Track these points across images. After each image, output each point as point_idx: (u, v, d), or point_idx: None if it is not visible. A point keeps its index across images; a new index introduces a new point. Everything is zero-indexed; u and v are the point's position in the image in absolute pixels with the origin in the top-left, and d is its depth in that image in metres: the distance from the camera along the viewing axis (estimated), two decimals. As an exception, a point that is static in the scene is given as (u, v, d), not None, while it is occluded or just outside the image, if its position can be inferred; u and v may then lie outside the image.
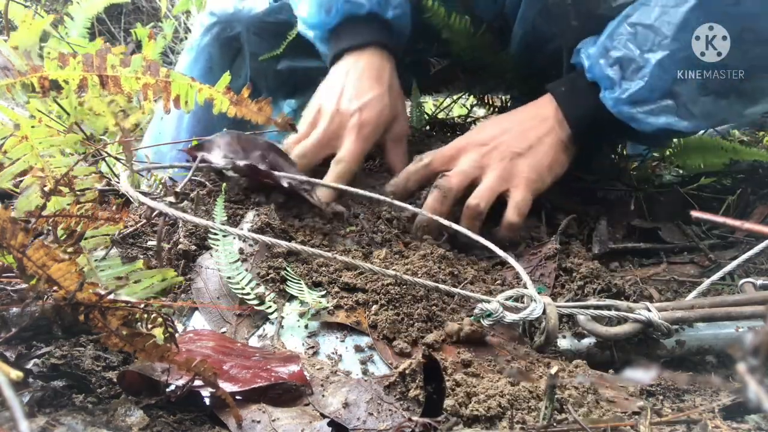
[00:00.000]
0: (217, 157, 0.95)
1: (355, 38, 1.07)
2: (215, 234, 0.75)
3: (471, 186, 0.97)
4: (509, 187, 0.97)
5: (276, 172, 0.91)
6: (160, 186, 0.97)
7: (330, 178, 0.97)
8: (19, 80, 0.55)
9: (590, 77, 0.97)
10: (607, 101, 0.95)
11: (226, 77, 0.63)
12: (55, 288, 0.47)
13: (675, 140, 1.27)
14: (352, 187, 0.94)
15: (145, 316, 0.51)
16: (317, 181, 0.93)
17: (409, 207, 0.92)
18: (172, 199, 0.89)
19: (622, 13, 0.95)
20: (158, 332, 0.51)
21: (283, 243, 0.71)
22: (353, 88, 1.03)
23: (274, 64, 1.36)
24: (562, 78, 1.05)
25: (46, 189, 0.56)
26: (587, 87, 0.97)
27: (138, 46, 2.59)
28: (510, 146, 0.98)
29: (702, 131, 1.23)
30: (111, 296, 0.49)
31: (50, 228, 0.54)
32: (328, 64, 1.11)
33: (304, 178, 0.92)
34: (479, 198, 0.95)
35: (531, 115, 1.01)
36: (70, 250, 0.54)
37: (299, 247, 0.71)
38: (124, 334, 0.50)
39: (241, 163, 0.91)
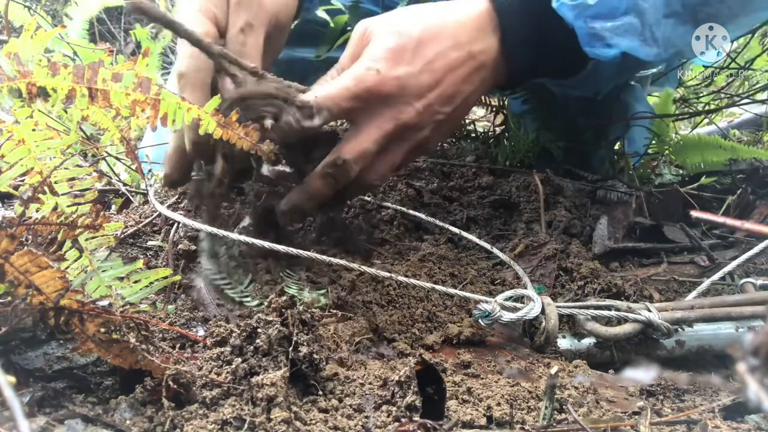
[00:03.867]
0: None
1: None
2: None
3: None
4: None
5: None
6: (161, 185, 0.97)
7: None
8: (7, 85, 0.55)
9: None
10: (565, 12, 0.78)
11: (216, 100, 0.63)
12: (34, 293, 0.48)
13: (673, 139, 1.27)
14: None
15: (123, 323, 0.51)
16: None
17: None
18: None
19: None
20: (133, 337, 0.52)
21: (279, 247, 0.71)
22: None
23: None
24: None
25: (27, 196, 0.56)
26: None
27: (138, 46, 2.59)
28: (437, 111, 0.78)
29: (658, 66, 1.15)
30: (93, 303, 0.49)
31: (31, 236, 0.55)
32: None
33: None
34: (380, 178, 0.80)
35: (466, 47, 0.78)
36: (53, 257, 0.54)
37: (294, 250, 0.71)
38: (101, 341, 0.50)
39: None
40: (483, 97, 1.46)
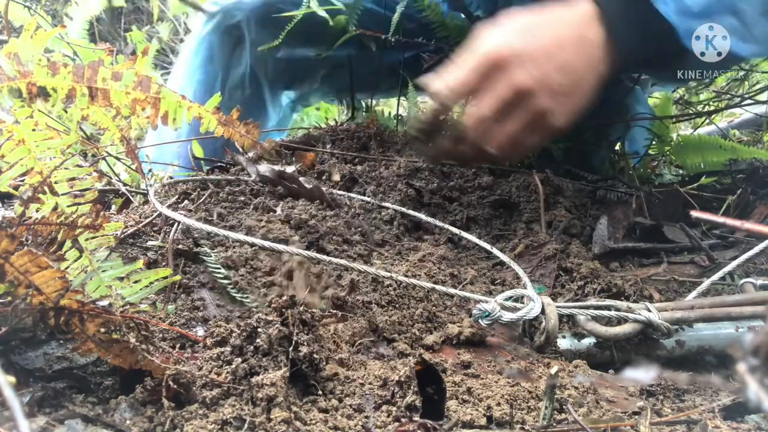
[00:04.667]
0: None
1: None
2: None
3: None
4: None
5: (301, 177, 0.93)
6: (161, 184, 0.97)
7: None
8: (7, 85, 0.54)
9: None
10: (670, 16, 0.83)
11: (216, 97, 0.63)
12: (34, 293, 0.47)
13: (674, 139, 1.27)
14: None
15: (123, 323, 0.51)
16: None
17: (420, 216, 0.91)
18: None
19: None
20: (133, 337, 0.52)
21: (280, 247, 0.71)
22: None
23: (274, 52, 1.37)
24: None
25: (27, 196, 0.56)
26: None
27: (136, 46, 2.59)
28: (552, 81, 0.81)
29: (759, 59, 1.16)
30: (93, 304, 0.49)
31: (31, 236, 0.55)
32: None
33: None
34: (498, 147, 0.85)
35: (577, 31, 0.83)
36: (53, 257, 0.54)
37: (295, 250, 0.71)
38: (101, 341, 0.50)
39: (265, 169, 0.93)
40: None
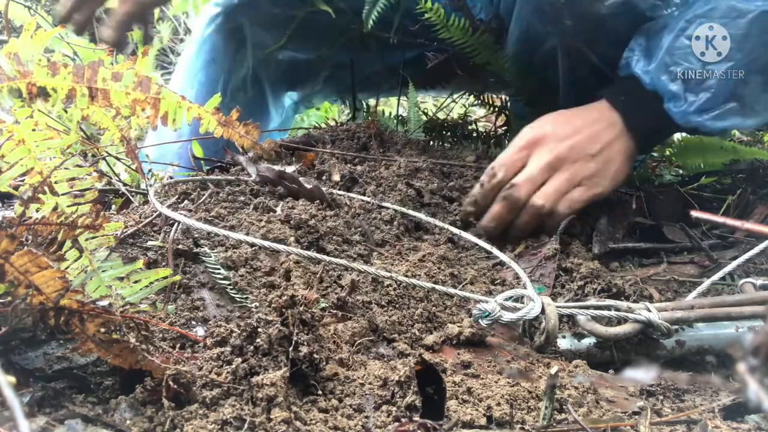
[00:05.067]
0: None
1: None
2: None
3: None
4: (575, 187, 0.99)
5: (301, 178, 0.94)
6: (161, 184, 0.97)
7: None
8: (7, 85, 0.54)
9: (651, 89, 0.98)
10: (674, 114, 0.96)
11: (216, 98, 0.63)
12: (34, 293, 0.47)
13: (675, 140, 1.27)
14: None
15: (123, 323, 0.51)
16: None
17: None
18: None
19: (674, 27, 0.96)
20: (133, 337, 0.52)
21: (280, 247, 0.71)
22: None
23: (276, 54, 1.37)
24: (615, 86, 1.04)
25: (27, 196, 0.56)
26: (649, 96, 0.98)
27: (137, 46, 2.59)
28: (584, 148, 0.98)
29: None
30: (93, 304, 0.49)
31: (31, 236, 0.55)
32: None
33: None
34: (545, 199, 0.97)
35: (598, 117, 1.01)
36: (53, 257, 0.54)
37: (294, 250, 0.71)
38: (101, 341, 0.50)
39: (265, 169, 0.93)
40: (485, 96, 1.46)
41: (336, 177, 1.05)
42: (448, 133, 1.47)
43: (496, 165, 1.00)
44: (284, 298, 0.57)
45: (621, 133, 1.00)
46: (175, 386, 0.51)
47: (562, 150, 0.97)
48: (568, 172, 0.97)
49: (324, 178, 1.06)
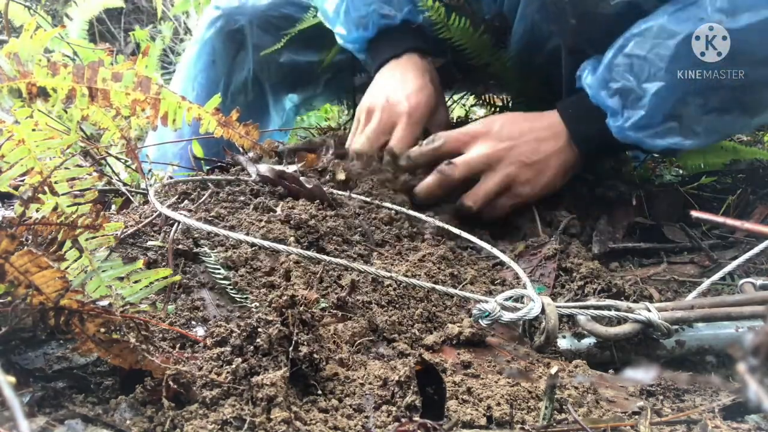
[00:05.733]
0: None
1: (394, 48, 1.18)
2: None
3: (470, 177, 1.02)
4: (504, 192, 1.03)
5: (302, 177, 0.95)
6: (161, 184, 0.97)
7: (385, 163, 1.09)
8: (7, 85, 0.54)
9: (595, 103, 1.00)
10: (612, 128, 0.99)
11: (216, 98, 0.63)
12: (34, 293, 0.47)
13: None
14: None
15: (123, 323, 0.51)
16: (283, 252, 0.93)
17: (418, 215, 0.96)
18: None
19: (616, 44, 0.97)
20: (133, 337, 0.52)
21: (280, 247, 0.71)
22: (400, 83, 1.13)
23: (276, 57, 1.37)
24: (571, 97, 1.07)
25: (27, 196, 0.56)
26: (593, 111, 1.00)
27: (138, 46, 2.59)
28: (522, 154, 1.02)
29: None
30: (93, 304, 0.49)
31: (31, 236, 0.55)
32: (372, 72, 1.21)
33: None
34: (474, 201, 1.02)
35: (545, 126, 1.04)
36: (53, 257, 0.54)
37: (294, 250, 0.71)
38: (101, 341, 0.50)
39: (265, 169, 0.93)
40: (485, 97, 1.46)
41: (341, 176, 1.05)
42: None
43: (440, 134, 1.06)
44: (284, 298, 0.57)
45: (564, 146, 1.03)
46: (175, 386, 0.51)
47: (501, 150, 1.02)
48: (501, 173, 1.02)
49: (327, 177, 1.06)
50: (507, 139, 1.03)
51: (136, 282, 0.62)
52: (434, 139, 1.05)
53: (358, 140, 1.12)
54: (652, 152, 1.12)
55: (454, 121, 1.52)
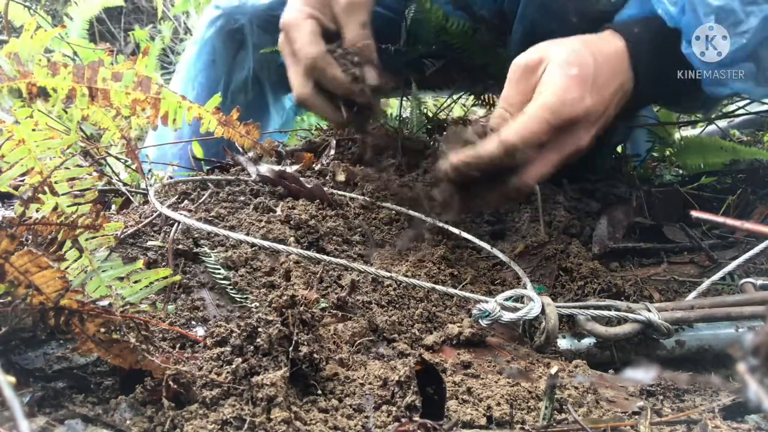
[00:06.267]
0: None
1: None
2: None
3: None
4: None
5: (302, 178, 0.95)
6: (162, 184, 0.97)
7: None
8: (7, 85, 0.54)
9: (672, 25, 0.85)
10: (694, 59, 0.85)
11: (216, 98, 0.63)
12: (34, 293, 0.48)
13: (676, 140, 1.27)
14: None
15: (123, 323, 0.51)
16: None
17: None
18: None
19: None
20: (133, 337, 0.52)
21: (280, 247, 0.71)
22: None
23: (276, 56, 1.37)
24: (632, 18, 0.90)
25: (27, 196, 0.56)
26: (667, 35, 0.86)
27: (138, 46, 2.59)
28: (591, 120, 0.83)
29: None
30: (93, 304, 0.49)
31: (31, 236, 0.55)
32: None
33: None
34: (534, 181, 0.83)
35: (610, 69, 0.84)
36: (53, 257, 0.54)
37: (294, 250, 0.71)
38: (101, 341, 0.50)
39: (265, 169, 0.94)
40: (485, 96, 1.46)
41: (341, 177, 1.05)
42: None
43: (515, 139, 0.79)
44: (284, 298, 0.57)
45: (626, 89, 0.87)
46: (175, 386, 0.51)
47: (585, 143, 0.83)
48: (561, 148, 0.82)
49: (328, 177, 1.06)
50: (594, 123, 0.83)
51: (136, 282, 0.62)
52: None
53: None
54: (714, 97, 0.94)
55: (455, 121, 1.52)
